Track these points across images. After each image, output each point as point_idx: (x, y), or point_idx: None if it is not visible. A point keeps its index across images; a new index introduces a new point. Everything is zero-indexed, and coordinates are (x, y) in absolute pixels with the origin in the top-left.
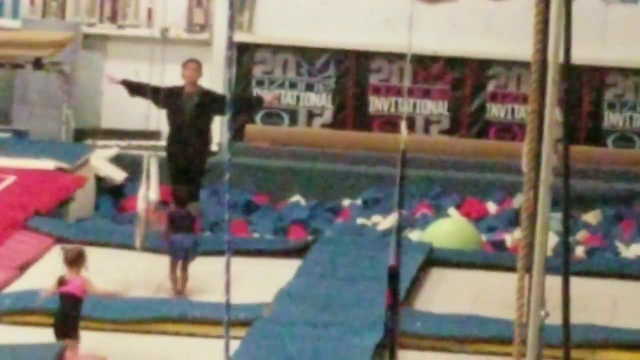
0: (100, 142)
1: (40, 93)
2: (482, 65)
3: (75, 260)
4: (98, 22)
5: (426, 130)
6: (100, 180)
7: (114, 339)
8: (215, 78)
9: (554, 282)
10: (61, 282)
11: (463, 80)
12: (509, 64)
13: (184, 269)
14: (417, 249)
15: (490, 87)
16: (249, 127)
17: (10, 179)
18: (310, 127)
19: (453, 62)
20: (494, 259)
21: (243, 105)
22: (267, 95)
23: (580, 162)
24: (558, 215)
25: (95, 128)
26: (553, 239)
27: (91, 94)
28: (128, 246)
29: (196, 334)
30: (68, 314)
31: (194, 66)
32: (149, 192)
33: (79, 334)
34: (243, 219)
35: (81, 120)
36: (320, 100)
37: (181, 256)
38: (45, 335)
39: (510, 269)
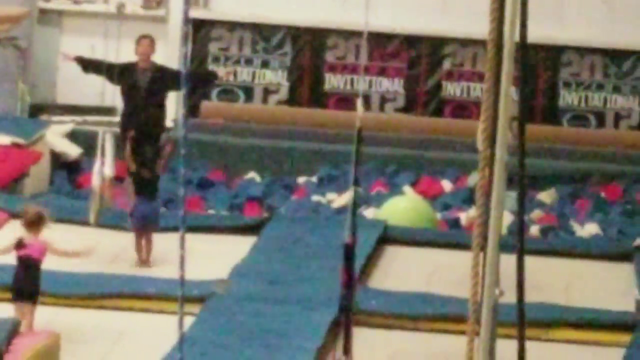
0: (55, 118)
1: None
2: (438, 44)
3: (34, 223)
4: None
5: (382, 108)
6: (55, 155)
7: (68, 314)
8: (171, 54)
9: (508, 261)
10: (20, 244)
11: (419, 59)
12: (465, 42)
13: (148, 239)
14: (372, 227)
15: (446, 65)
16: (205, 104)
17: None
18: (266, 104)
19: (409, 40)
20: (448, 237)
21: (198, 81)
22: (221, 70)
23: (535, 141)
24: (513, 194)
25: (51, 103)
26: (508, 218)
27: (47, 69)
28: (83, 221)
29: (150, 310)
30: (27, 277)
31: (147, 42)
32: (104, 167)
33: (38, 297)
34: (198, 195)
35: (37, 96)
36: (276, 77)
37: (139, 224)
38: (3, 311)
39: (465, 247)
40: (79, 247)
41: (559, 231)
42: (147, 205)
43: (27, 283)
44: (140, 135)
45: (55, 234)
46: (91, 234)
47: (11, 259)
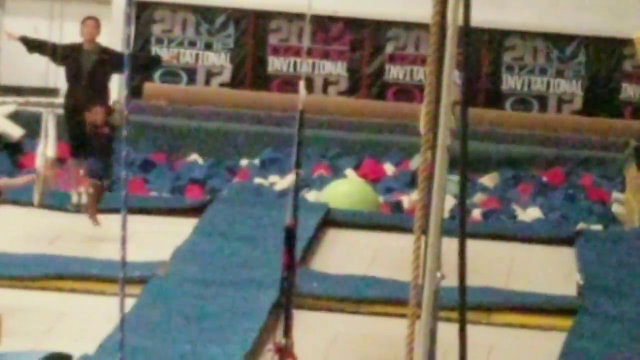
0: None
1: None
2: (381, 27)
3: None
4: None
5: (325, 91)
6: None
7: (9, 295)
8: (114, 36)
9: (450, 245)
10: None
11: (362, 42)
12: (408, 26)
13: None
14: (314, 210)
15: (389, 48)
16: (147, 85)
17: None
18: (209, 86)
19: (352, 23)
20: (390, 220)
21: (141, 64)
22: (165, 54)
23: (478, 125)
24: (455, 178)
25: None
26: (450, 201)
27: None
28: (26, 202)
29: (92, 291)
30: None
31: (92, 23)
32: (47, 148)
33: None
34: (140, 177)
35: None
36: (219, 59)
37: (93, 175)
38: None
39: (407, 230)
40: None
41: (501, 215)
42: (95, 161)
43: None
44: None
45: None
46: (34, 214)
47: None
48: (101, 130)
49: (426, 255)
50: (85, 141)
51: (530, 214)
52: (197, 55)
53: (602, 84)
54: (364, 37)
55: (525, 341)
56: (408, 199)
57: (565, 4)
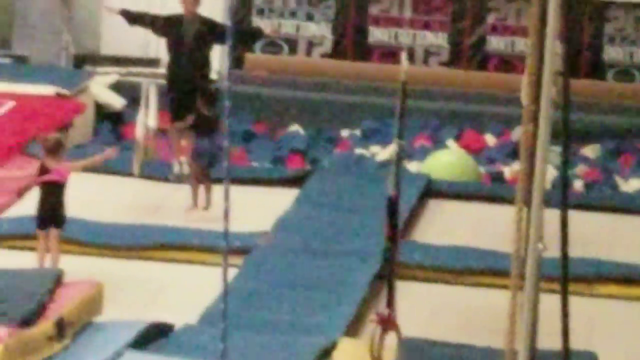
0: (99, 69)
1: (40, 18)
2: None
3: (54, 148)
4: None
5: (425, 61)
6: (99, 106)
7: (111, 265)
8: (215, 7)
9: (552, 216)
10: (42, 171)
11: (463, 12)
12: None
13: (207, 184)
14: (415, 180)
15: (491, 19)
16: (249, 56)
17: (10, 104)
18: (310, 57)
19: None
20: (492, 191)
21: (242, 37)
22: (267, 27)
23: (580, 96)
24: (557, 149)
25: (95, 54)
26: (552, 173)
27: (91, 20)
28: (126, 172)
29: (194, 262)
30: (53, 202)
31: None
32: (148, 119)
33: (64, 222)
34: (242, 147)
35: (81, 47)
36: (319, 29)
37: (205, 161)
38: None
39: (509, 201)
40: (100, 155)
41: (603, 186)
42: (210, 141)
43: (52, 208)
44: (185, 88)
45: (99, 184)
46: (135, 184)
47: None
48: (205, 110)
49: (528, 226)
50: (187, 110)
51: (633, 185)
52: (297, 26)
53: None
54: (465, 8)
55: (628, 312)
56: (509, 170)
57: None
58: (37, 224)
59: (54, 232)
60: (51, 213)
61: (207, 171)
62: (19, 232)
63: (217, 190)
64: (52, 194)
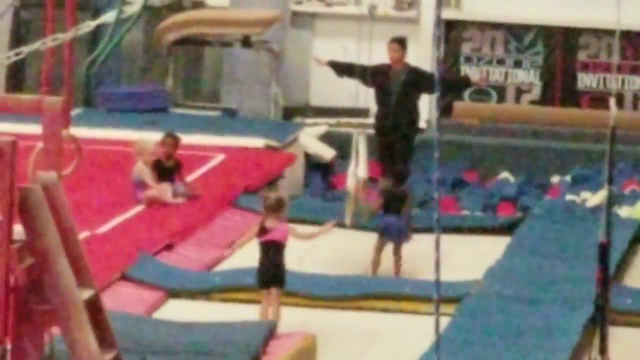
0: (309, 120)
1: (249, 71)
2: None
3: (275, 207)
4: (306, 0)
5: (635, 106)
6: (309, 157)
7: (323, 315)
8: (423, 55)
9: None
10: (262, 230)
11: None
12: None
13: (397, 252)
14: (626, 225)
15: None
16: (457, 104)
17: (220, 157)
18: (519, 104)
19: None
20: None
21: (451, 86)
22: (474, 75)
23: None
24: None
25: (304, 106)
26: None
27: (299, 72)
28: (339, 223)
29: (405, 311)
30: (272, 262)
31: (394, 46)
32: (358, 169)
33: (285, 281)
34: (452, 196)
35: (290, 98)
36: (528, 76)
37: (395, 238)
38: (257, 313)
39: None
40: (320, 228)
41: None
42: (399, 217)
43: (273, 267)
44: (394, 138)
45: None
46: (347, 235)
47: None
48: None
49: None
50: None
51: None
52: (506, 73)
53: None
54: None
55: None
56: None
57: None
58: (259, 283)
59: (274, 291)
60: (272, 273)
61: (398, 246)
62: (230, 284)
63: (429, 239)
64: (273, 253)
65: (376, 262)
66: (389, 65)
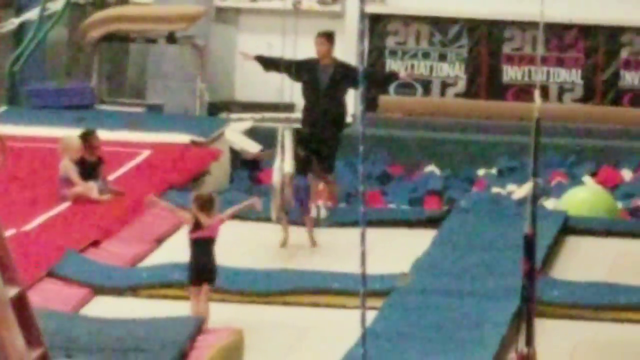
0: (234, 115)
1: (174, 67)
2: (616, 32)
3: (207, 204)
4: None
5: (560, 98)
6: (235, 153)
7: (251, 311)
8: (348, 50)
9: None
10: (196, 226)
11: (596, 48)
12: None
13: (308, 212)
14: (552, 218)
15: (624, 54)
16: (382, 98)
17: (146, 153)
18: (444, 97)
19: (586, 30)
20: (630, 226)
21: (377, 81)
22: (401, 72)
23: None
24: None
25: (229, 101)
26: None
27: (225, 67)
28: (264, 218)
29: (333, 305)
30: (205, 258)
31: (321, 40)
32: (284, 164)
33: (216, 277)
34: (378, 189)
35: (215, 94)
36: (453, 70)
37: (303, 197)
38: (184, 309)
39: None
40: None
41: None
42: (303, 179)
43: (206, 263)
44: (319, 131)
45: (236, 230)
46: (272, 230)
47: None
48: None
49: None
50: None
51: None
52: (431, 67)
53: None
54: (598, 43)
55: None
56: None
57: None
58: (191, 280)
59: (205, 288)
60: (207, 269)
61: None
62: (157, 280)
63: (355, 233)
64: (205, 250)
65: (285, 228)
66: (317, 60)
